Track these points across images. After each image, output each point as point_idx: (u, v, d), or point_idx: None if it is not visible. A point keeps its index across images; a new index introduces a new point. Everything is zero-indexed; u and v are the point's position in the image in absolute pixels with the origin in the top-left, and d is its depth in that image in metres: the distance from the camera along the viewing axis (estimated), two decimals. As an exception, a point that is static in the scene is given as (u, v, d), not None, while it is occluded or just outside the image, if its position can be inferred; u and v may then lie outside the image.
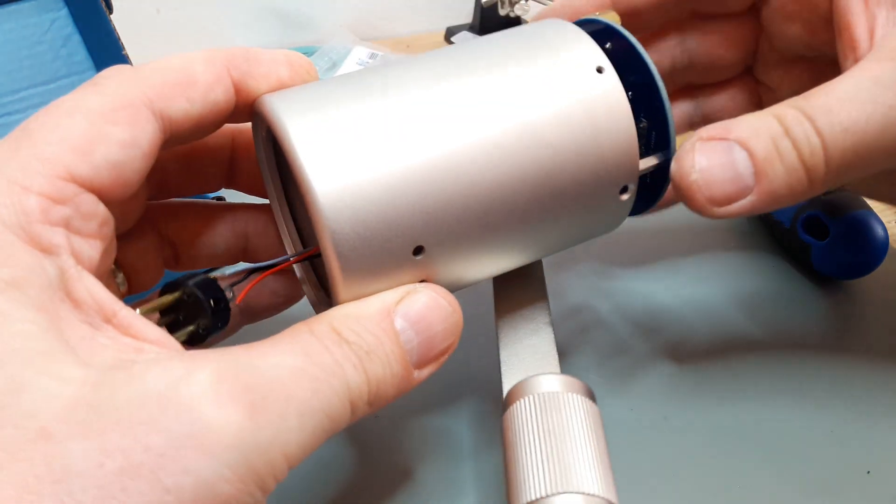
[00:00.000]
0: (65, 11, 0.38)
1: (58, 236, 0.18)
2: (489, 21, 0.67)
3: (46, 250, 0.18)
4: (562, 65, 0.22)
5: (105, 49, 0.39)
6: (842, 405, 0.30)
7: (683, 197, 0.22)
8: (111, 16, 0.39)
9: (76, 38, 0.39)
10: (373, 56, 0.62)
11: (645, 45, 0.28)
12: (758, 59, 0.31)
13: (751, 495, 0.26)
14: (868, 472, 0.27)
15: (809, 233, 0.36)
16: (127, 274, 0.25)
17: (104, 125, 0.19)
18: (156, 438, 0.15)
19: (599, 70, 0.22)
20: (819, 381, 0.31)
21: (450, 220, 0.21)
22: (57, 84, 0.38)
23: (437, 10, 0.73)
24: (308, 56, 0.61)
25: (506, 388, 0.24)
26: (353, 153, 0.20)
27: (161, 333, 0.19)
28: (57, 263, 0.18)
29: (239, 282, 0.25)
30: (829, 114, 0.21)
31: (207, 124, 0.22)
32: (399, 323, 0.21)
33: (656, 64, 0.25)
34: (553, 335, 0.26)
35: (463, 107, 0.21)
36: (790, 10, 0.27)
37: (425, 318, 0.21)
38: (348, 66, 0.60)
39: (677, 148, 0.23)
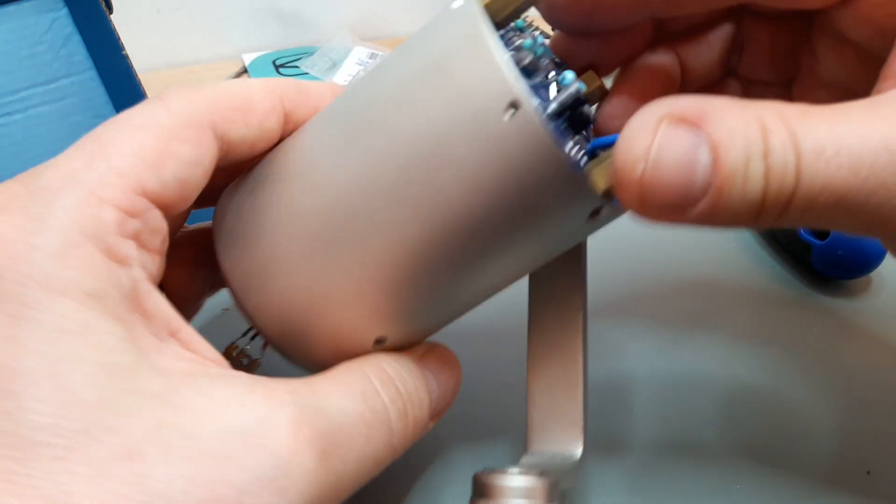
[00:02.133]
0: (65, 11, 0.38)
1: (131, 249, 0.19)
2: (489, 21, 0.67)
3: (121, 262, 0.18)
4: (463, 107, 0.18)
5: (105, 49, 0.39)
6: (842, 405, 0.30)
7: (616, 180, 0.17)
8: (111, 16, 0.39)
9: (76, 38, 0.39)
10: (373, 56, 0.62)
11: (690, 34, 0.25)
12: (797, 78, 0.26)
13: (751, 495, 0.26)
14: (868, 473, 0.27)
15: (809, 233, 0.37)
16: (167, 288, 0.25)
17: (173, 142, 0.20)
18: (239, 475, 0.16)
19: (514, 105, 0.17)
20: (819, 381, 0.31)
21: (401, 314, 0.21)
22: (57, 84, 0.38)
23: (437, 11, 0.73)
24: (308, 56, 0.61)
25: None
26: (275, 285, 0.21)
27: (216, 354, 0.20)
28: (130, 275, 0.18)
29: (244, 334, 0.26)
30: (819, 158, 0.17)
31: (257, 149, 0.22)
32: (427, 373, 0.23)
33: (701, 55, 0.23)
34: (584, 390, 0.24)
35: (366, 209, 0.20)
36: (852, 37, 0.22)
37: (444, 371, 0.23)
38: (348, 66, 0.60)
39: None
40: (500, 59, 0.18)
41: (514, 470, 0.21)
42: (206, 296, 0.27)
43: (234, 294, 0.22)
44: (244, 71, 0.63)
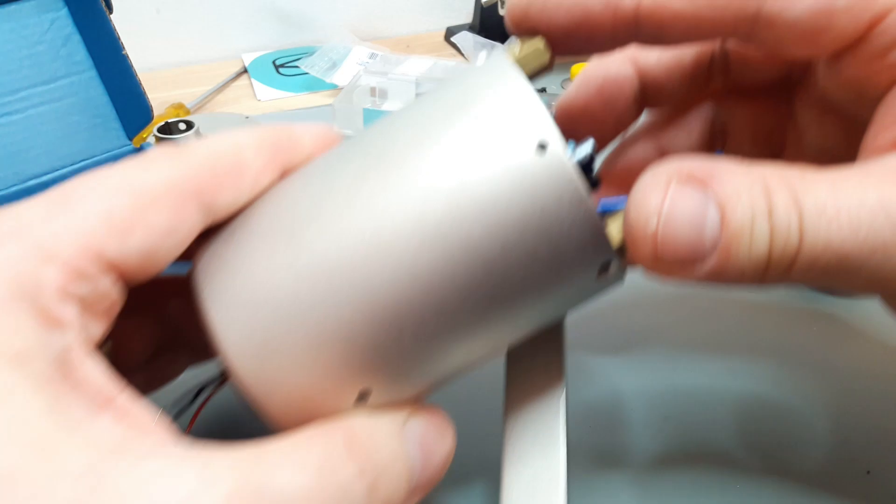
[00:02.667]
0: (65, 11, 0.38)
1: (70, 312, 0.17)
2: (489, 21, 0.67)
3: (56, 324, 0.17)
4: (491, 149, 0.18)
5: (105, 49, 0.39)
6: (842, 405, 0.30)
7: (629, 235, 0.18)
8: (111, 16, 0.39)
9: (76, 38, 0.39)
10: (373, 56, 0.62)
11: (670, 120, 0.26)
12: (783, 151, 0.26)
13: (751, 495, 0.26)
14: (868, 473, 0.27)
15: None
16: (114, 347, 0.23)
17: (147, 209, 0.18)
18: None
19: (542, 146, 0.18)
20: (819, 380, 0.31)
21: (390, 364, 0.19)
22: (57, 84, 0.38)
23: (437, 10, 0.73)
24: (308, 56, 0.61)
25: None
26: (270, 328, 0.19)
27: (160, 422, 0.18)
28: (64, 339, 0.17)
29: (193, 399, 0.25)
30: (821, 218, 0.17)
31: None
32: (407, 444, 0.20)
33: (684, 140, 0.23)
34: (564, 452, 0.23)
35: (379, 247, 0.19)
36: (842, 80, 0.21)
37: (429, 443, 0.20)
38: (348, 65, 0.60)
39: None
40: (533, 99, 0.18)
41: None
42: (177, 366, 0.26)
43: (213, 333, 0.20)
44: (244, 71, 0.63)
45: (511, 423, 0.23)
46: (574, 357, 0.31)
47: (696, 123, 0.27)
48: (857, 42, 0.20)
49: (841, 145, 0.23)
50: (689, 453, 0.28)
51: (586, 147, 0.20)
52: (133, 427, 0.17)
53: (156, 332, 0.24)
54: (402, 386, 0.20)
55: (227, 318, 0.19)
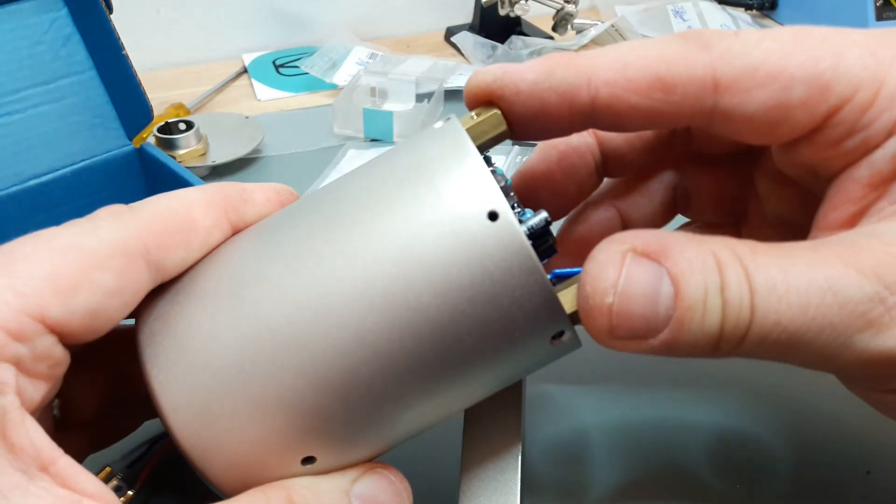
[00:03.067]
0: (65, 11, 0.38)
1: (6, 373, 0.17)
2: (489, 21, 0.67)
3: None
4: (443, 215, 0.18)
5: (105, 49, 0.39)
6: (841, 405, 0.30)
7: (585, 309, 0.18)
8: (111, 16, 0.39)
9: (76, 38, 0.39)
10: (373, 56, 0.62)
11: (631, 185, 0.26)
12: (745, 218, 0.27)
13: (751, 495, 0.26)
14: (868, 472, 0.27)
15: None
16: (63, 402, 0.23)
17: (93, 270, 0.18)
18: None
19: (493, 217, 0.18)
20: (818, 380, 0.31)
21: (337, 430, 0.19)
22: (57, 84, 0.38)
23: (437, 10, 0.73)
24: (308, 56, 0.61)
25: None
26: (211, 392, 0.19)
27: (99, 487, 0.18)
28: (0, 402, 0.17)
29: (141, 456, 0.25)
30: (771, 295, 0.18)
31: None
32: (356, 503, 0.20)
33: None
34: (519, 472, 0.23)
35: (326, 311, 0.18)
36: (799, 161, 0.21)
37: (382, 500, 0.20)
38: (348, 65, 0.60)
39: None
40: (482, 171, 0.18)
41: None
42: (131, 420, 0.25)
43: (154, 396, 0.20)
44: (244, 71, 0.63)
45: (467, 481, 0.23)
46: (537, 389, 0.31)
47: (657, 189, 0.27)
48: (813, 132, 0.20)
49: (799, 215, 0.23)
50: (688, 454, 0.28)
51: (539, 217, 0.20)
52: (71, 493, 0.17)
53: (107, 387, 0.24)
54: (348, 452, 0.20)
55: (166, 382, 0.19)
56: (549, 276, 0.19)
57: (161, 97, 0.55)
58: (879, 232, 0.19)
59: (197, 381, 0.19)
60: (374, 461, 0.21)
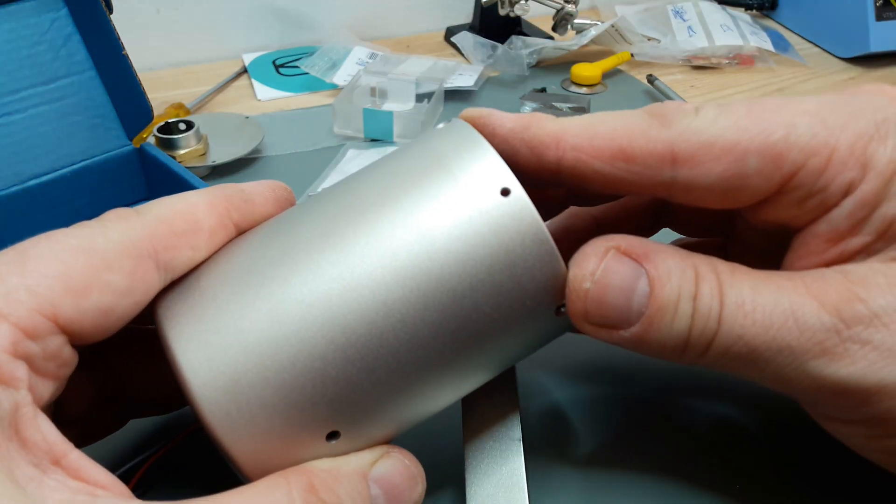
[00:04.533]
0: (65, 11, 0.38)
1: (20, 370, 0.17)
2: (489, 21, 0.67)
3: (6, 382, 0.17)
4: (460, 194, 0.20)
5: (105, 49, 0.39)
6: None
7: (567, 292, 0.20)
8: (111, 16, 0.39)
9: (76, 38, 0.39)
10: (373, 56, 0.62)
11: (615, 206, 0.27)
12: (726, 247, 0.28)
13: (751, 495, 0.26)
14: (871, 471, 0.27)
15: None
16: (59, 397, 0.23)
17: (104, 271, 0.18)
18: None
19: (505, 192, 0.20)
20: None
21: (363, 400, 0.20)
22: (57, 84, 0.38)
23: (437, 10, 0.73)
24: (308, 56, 0.61)
25: None
26: (240, 366, 0.19)
27: (110, 478, 0.18)
28: (13, 398, 0.17)
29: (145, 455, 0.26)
30: (738, 311, 0.19)
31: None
32: (373, 489, 0.20)
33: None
34: (522, 458, 0.24)
35: (354, 283, 0.19)
36: (762, 220, 0.23)
37: (397, 486, 0.21)
38: (348, 66, 0.60)
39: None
40: (492, 154, 0.21)
41: None
42: (116, 420, 0.25)
43: (184, 381, 0.20)
44: (244, 71, 0.63)
45: (471, 455, 0.24)
46: (531, 377, 0.31)
47: (640, 205, 0.28)
48: (773, 196, 0.21)
49: (779, 248, 0.24)
50: (689, 452, 0.28)
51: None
52: (84, 485, 0.17)
53: (100, 382, 0.24)
54: (371, 426, 0.21)
55: (194, 360, 0.19)
56: None
57: (161, 97, 0.55)
58: (847, 270, 0.20)
59: (226, 357, 0.19)
60: (389, 444, 0.22)
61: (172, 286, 0.21)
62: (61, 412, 0.23)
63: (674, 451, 0.28)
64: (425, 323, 0.20)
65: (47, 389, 0.18)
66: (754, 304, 0.19)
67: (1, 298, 0.17)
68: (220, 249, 0.22)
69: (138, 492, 0.25)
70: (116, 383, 0.24)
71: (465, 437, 0.24)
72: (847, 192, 0.20)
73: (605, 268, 0.20)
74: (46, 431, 0.17)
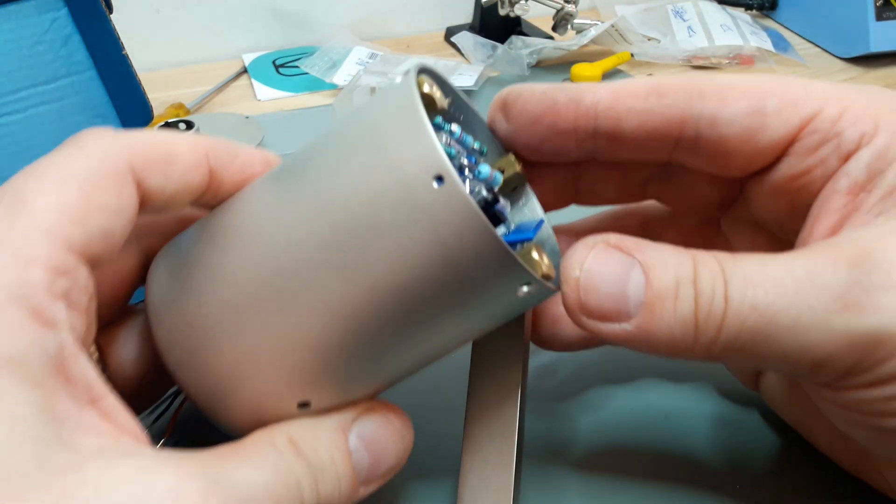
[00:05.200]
0: (65, 11, 0.38)
1: (60, 311, 0.18)
2: (489, 21, 0.67)
3: (49, 325, 0.17)
4: (390, 179, 0.19)
5: (105, 49, 0.39)
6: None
7: (562, 293, 0.20)
8: (111, 16, 0.39)
9: (76, 38, 0.39)
10: (373, 56, 0.62)
11: (620, 171, 0.26)
12: (727, 215, 0.27)
13: (751, 495, 0.26)
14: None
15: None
16: (109, 366, 0.24)
17: (95, 193, 0.19)
18: None
19: (439, 179, 0.18)
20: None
21: (319, 376, 0.21)
22: (57, 84, 0.38)
23: (437, 10, 0.73)
24: (308, 56, 0.61)
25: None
26: (204, 347, 0.21)
27: (138, 426, 0.19)
28: (57, 339, 0.17)
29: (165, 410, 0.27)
30: (747, 285, 0.19)
31: (176, 203, 0.22)
32: (353, 442, 0.21)
33: (632, 176, 0.25)
34: (516, 472, 0.24)
35: (297, 261, 0.20)
36: (780, 188, 0.23)
37: (379, 439, 0.22)
38: (348, 66, 0.60)
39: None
40: (431, 134, 0.18)
41: None
42: (162, 389, 0.26)
43: (160, 352, 0.22)
44: (244, 71, 0.63)
45: (472, 413, 0.24)
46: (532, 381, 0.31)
47: (638, 182, 0.27)
48: (791, 145, 0.22)
49: (786, 222, 0.24)
50: (689, 452, 0.28)
51: (487, 183, 0.22)
52: (115, 427, 0.18)
53: (146, 353, 0.25)
54: (339, 394, 0.21)
55: (167, 337, 0.22)
56: (507, 238, 0.21)
57: (161, 97, 0.55)
58: (856, 237, 0.20)
59: (191, 338, 0.21)
60: (375, 400, 0.22)
61: (158, 265, 0.23)
62: (112, 381, 0.24)
63: (674, 451, 0.28)
64: (369, 314, 0.19)
65: (84, 325, 0.19)
66: (763, 277, 0.19)
67: (22, 243, 0.18)
68: (193, 226, 0.23)
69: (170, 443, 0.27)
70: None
71: (471, 379, 0.24)
72: (860, 143, 0.21)
73: (594, 256, 0.20)
74: (87, 371, 0.18)
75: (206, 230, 0.22)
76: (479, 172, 0.21)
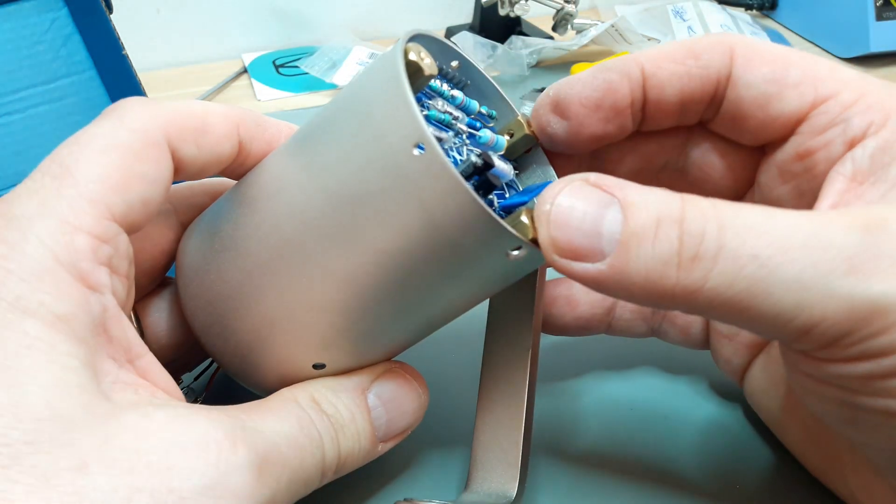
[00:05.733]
0: (65, 11, 0.38)
1: (103, 275, 0.19)
2: (489, 21, 0.67)
3: (94, 288, 0.19)
4: (376, 147, 0.19)
5: (105, 49, 0.39)
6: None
7: (536, 230, 0.19)
8: (111, 16, 0.39)
9: (76, 38, 0.39)
10: (373, 56, 0.62)
11: (649, 138, 0.25)
12: (747, 197, 0.26)
13: (751, 495, 0.26)
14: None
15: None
16: (147, 331, 0.26)
17: (135, 163, 0.20)
18: (181, 483, 0.17)
19: (420, 146, 0.18)
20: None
21: (339, 339, 0.22)
22: (57, 84, 0.38)
23: (437, 10, 0.73)
24: (308, 56, 0.61)
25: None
26: (223, 316, 0.23)
27: (173, 386, 0.21)
28: (101, 301, 0.19)
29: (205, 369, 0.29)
30: (749, 233, 0.18)
31: (207, 172, 0.23)
32: (372, 400, 0.23)
33: (651, 159, 0.25)
34: (526, 432, 0.24)
35: (298, 241, 0.21)
36: (786, 169, 0.23)
37: (396, 398, 0.23)
38: (348, 66, 0.60)
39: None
40: (410, 101, 0.19)
41: (434, 503, 0.23)
42: (198, 357, 0.28)
43: (187, 318, 0.24)
44: (244, 71, 0.63)
45: (486, 376, 0.25)
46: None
47: (668, 148, 0.26)
48: (799, 123, 0.22)
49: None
50: (689, 451, 0.28)
51: (487, 148, 0.22)
52: (151, 384, 0.20)
53: (184, 327, 0.26)
54: (351, 356, 0.23)
55: (195, 307, 0.23)
56: (501, 203, 0.22)
57: (161, 97, 0.55)
58: (870, 207, 0.20)
59: (215, 295, 0.23)
60: (392, 361, 0.24)
61: (187, 241, 0.24)
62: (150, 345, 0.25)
63: (674, 451, 0.28)
64: (365, 281, 0.20)
65: (125, 289, 0.20)
66: (768, 227, 0.18)
67: (68, 212, 0.19)
68: (219, 199, 0.24)
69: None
70: None
71: (486, 343, 0.25)
72: (867, 132, 0.21)
73: (568, 191, 0.19)
74: (128, 332, 0.20)
75: (227, 201, 0.23)
76: (480, 137, 0.22)
